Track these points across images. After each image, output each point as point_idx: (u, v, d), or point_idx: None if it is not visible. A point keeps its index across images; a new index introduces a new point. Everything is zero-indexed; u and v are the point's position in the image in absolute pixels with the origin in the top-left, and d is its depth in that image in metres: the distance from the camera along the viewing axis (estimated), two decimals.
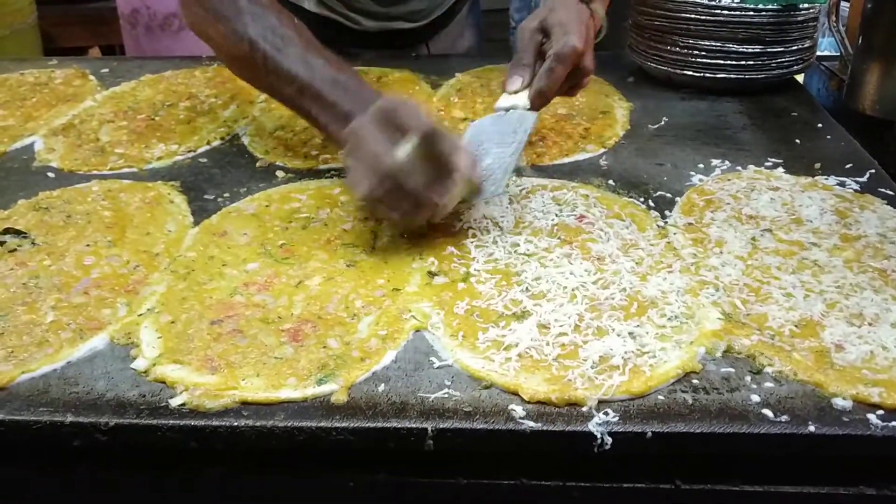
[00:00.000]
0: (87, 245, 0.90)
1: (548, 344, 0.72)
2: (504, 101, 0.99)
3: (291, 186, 1.04)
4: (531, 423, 0.65)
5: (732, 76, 1.28)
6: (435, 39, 1.59)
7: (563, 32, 0.97)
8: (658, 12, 1.30)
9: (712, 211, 0.95)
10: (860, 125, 1.21)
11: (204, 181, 1.07)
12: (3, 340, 0.75)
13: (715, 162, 1.09)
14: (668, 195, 1.00)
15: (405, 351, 0.74)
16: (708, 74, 1.29)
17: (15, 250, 0.89)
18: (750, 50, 1.26)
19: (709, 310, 0.77)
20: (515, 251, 0.86)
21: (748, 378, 0.70)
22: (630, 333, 0.73)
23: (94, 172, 1.09)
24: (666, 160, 1.10)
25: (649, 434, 0.64)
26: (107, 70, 1.46)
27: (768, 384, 0.69)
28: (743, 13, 1.24)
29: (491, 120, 0.99)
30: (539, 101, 0.99)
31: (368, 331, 0.76)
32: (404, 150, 0.80)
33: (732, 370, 0.71)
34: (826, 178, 1.03)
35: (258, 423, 0.66)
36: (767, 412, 0.66)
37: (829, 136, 1.17)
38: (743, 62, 1.27)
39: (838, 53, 1.43)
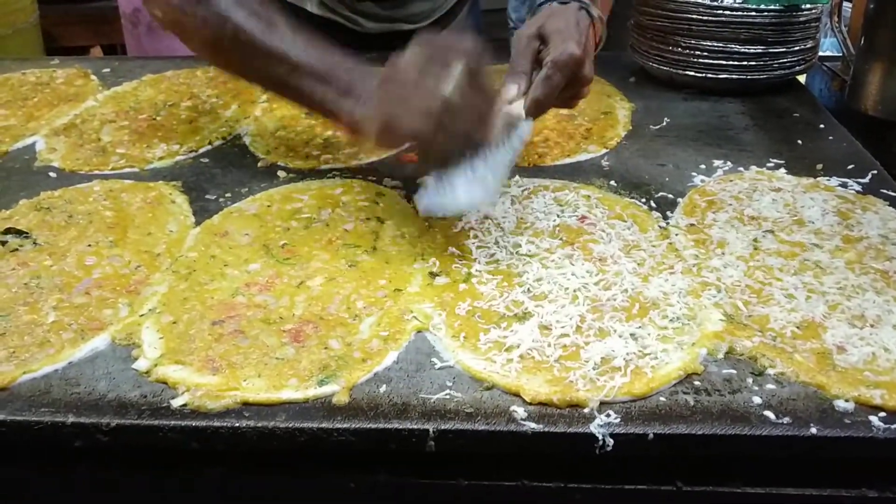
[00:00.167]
0: (89, 245, 0.90)
1: (549, 345, 0.72)
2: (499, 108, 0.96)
3: (293, 186, 1.04)
4: (532, 425, 0.65)
5: (734, 77, 1.28)
6: None
7: (561, 39, 0.93)
8: (660, 12, 1.30)
9: (714, 212, 0.95)
10: (862, 126, 1.21)
11: (205, 181, 1.07)
12: (4, 341, 0.75)
13: (717, 163, 1.09)
14: (670, 196, 1.00)
15: (407, 352, 0.74)
16: (710, 75, 1.29)
17: (16, 250, 0.89)
18: (752, 50, 1.26)
19: (710, 311, 0.77)
20: (517, 252, 0.86)
21: (750, 380, 0.70)
22: (632, 335, 0.73)
23: (96, 172, 1.09)
24: (668, 161, 1.10)
25: (651, 436, 0.64)
26: (108, 70, 1.46)
27: (770, 386, 0.69)
28: (745, 13, 1.24)
29: None
30: (535, 111, 0.94)
31: (370, 331, 0.76)
32: (452, 80, 0.77)
33: (734, 372, 0.71)
34: (828, 179, 1.03)
35: (259, 424, 0.66)
36: (769, 414, 0.66)
37: (831, 137, 1.17)
38: (745, 62, 1.27)
39: (840, 54, 1.42)
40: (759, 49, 1.26)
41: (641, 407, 0.67)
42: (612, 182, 1.04)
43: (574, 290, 0.79)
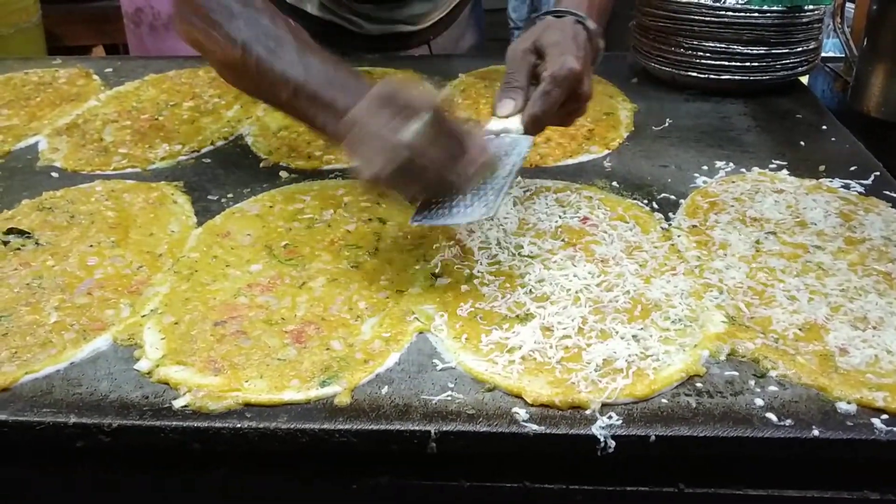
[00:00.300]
0: (91, 245, 0.90)
1: (551, 346, 0.72)
2: (494, 124, 0.90)
3: (295, 187, 1.04)
4: (534, 426, 0.65)
5: (737, 77, 1.28)
6: (436, 40, 1.59)
7: (559, 53, 0.88)
8: (662, 13, 1.30)
9: (716, 213, 0.95)
10: (865, 127, 1.21)
11: (207, 181, 1.07)
12: (6, 341, 0.75)
13: (719, 164, 1.08)
14: (672, 197, 1.00)
15: (408, 353, 0.74)
16: (712, 76, 1.29)
17: (18, 250, 0.89)
18: (754, 51, 1.26)
19: (713, 313, 0.77)
20: (519, 253, 0.86)
21: (752, 382, 0.70)
22: (634, 336, 0.73)
23: (98, 172, 1.10)
24: (670, 162, 1.10)
25: (653, 437, 0.64)
26: (110, 69, 1.46)
27: (772, 388, 0.69)
28: (748, 14, 1.24)
29: None
30: (533, 128, 0.89)
31: (372, 332, 0.76)
32: (414, 128, 0.74)
33: (736, 374, 0.70)
34: (830, 181, 1.03)
35: (261, 425, 0.66)
36: (771, 416, 0.66)
37: (833, 139, 1.17)
38: (747, 63, 1.27)
39: (843, 55, 1.42)
40: (761, 50, 1.26)
41: (643, 409, 0.67)
42: (614, 183, 1.04)
43: (576, 292, 0.79)
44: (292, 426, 0.65)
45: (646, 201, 0.99)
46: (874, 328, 0.75)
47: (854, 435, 0.64)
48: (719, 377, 0.70)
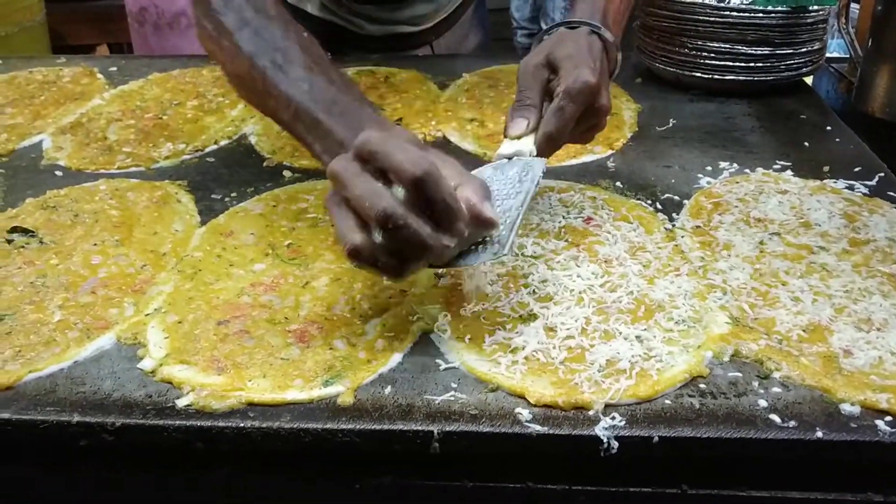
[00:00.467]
0: (95, 244, 0.90)
1: (554, 347, 0.72)
2: (506, 147, 0.85)
3: (299, 186, 1.04)
4: (537, 427, 0.65)
5: (741, 78, 1.28)
6: (439, 41, 1.59)
7: (573, 66, 0.83)
8: (666, 13, 1.30)
9: (720, 214, 0.94)
10: (869, 128, 1.21)
11: (211, 180, 1.07)
12: (10, 339, 0.75)
13: (723, 164, 1.08)
14: (676, 198, 1.00)
15: (412, 353, 0.74)
16: (716, 76, 1.28)
17: (23, 248, 0.89)
18: (759, 52, 1.26)
19: (716, 314, 0.77)
20: (522, 253, 0.86)
21: (755, 383, 0.69)
22: (637, 337, 0.73)
23: (102, 171, 1.10)
24: (674, 162, 1.10)
25: (656, 438, 0.64)
26: (115, 68, 1.47)
27: (776, 389, 0.69)
28: (752, 15, 1.23)
29: (492, 169, 0.83)
30: (548, 147, 0.84)
31: (375, 332, 0.76)
32: (396, 197, 0.66)
33: (740, 375, 0.70)
34: (835, 182, 1.03)
35: (264, 425, 0.66)
36: (775, 417, 0.65)
37: (838, 139, 1.17)
38: (752, 64, 1.27)
39: (848, 55, 1.42)
40: (765, 50, 1.26)
41: (647, 409, 0.67)
42: (618, 183, 1.03)
43: (579, 292, 0.79)
44: (295, 426, 0.65)
45: (649, 202, 0.99)
46: (878, 330, 0.74)
47: (858, 437, 0.64)
48: (723, 378, 0.70)
